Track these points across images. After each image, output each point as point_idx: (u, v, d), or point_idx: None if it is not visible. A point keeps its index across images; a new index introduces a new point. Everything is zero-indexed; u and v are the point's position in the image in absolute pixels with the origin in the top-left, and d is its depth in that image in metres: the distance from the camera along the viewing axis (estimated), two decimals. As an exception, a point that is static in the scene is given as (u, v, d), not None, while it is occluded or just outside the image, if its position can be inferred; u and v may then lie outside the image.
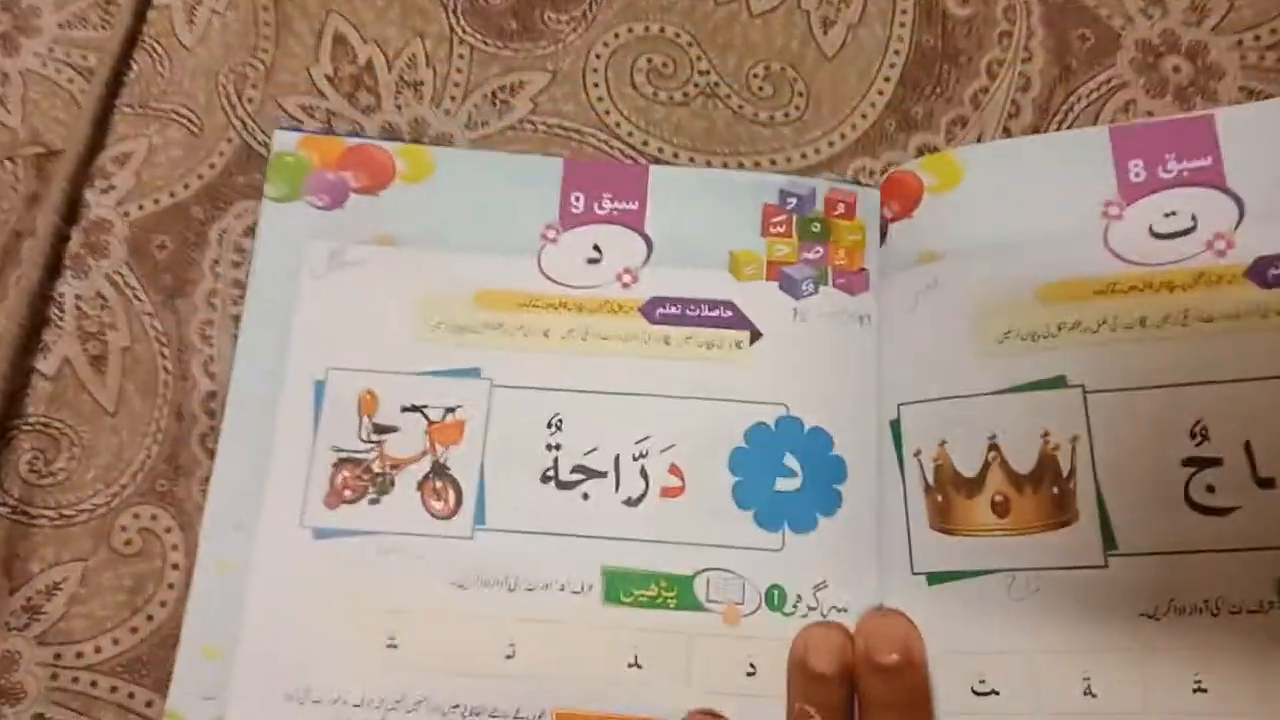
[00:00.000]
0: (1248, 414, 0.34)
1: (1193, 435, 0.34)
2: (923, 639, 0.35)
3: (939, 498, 0.36)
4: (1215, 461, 0.34)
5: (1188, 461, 0.34)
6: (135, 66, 0.44)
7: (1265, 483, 0.34)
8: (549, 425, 0.38)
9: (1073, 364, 0.36)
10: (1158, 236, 0.37)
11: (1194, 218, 0.37)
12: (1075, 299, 0.37)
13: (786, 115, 0.43)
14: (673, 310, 0.39)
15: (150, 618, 0.38)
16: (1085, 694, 0.33)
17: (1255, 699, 0.32)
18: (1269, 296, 0.35)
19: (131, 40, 0.44)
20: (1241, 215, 0.36)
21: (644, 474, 0.38)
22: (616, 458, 0.38)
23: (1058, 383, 0.36)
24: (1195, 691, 0.32)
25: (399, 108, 0.43)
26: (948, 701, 0.34)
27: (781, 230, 0.40)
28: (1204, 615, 0.33)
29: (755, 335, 0.39)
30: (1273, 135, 0.37)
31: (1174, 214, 0.37)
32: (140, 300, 0.41)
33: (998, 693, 0.34)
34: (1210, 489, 0.34)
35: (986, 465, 0.36)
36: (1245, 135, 0.37)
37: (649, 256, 0.40)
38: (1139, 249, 0.37)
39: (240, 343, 0.39)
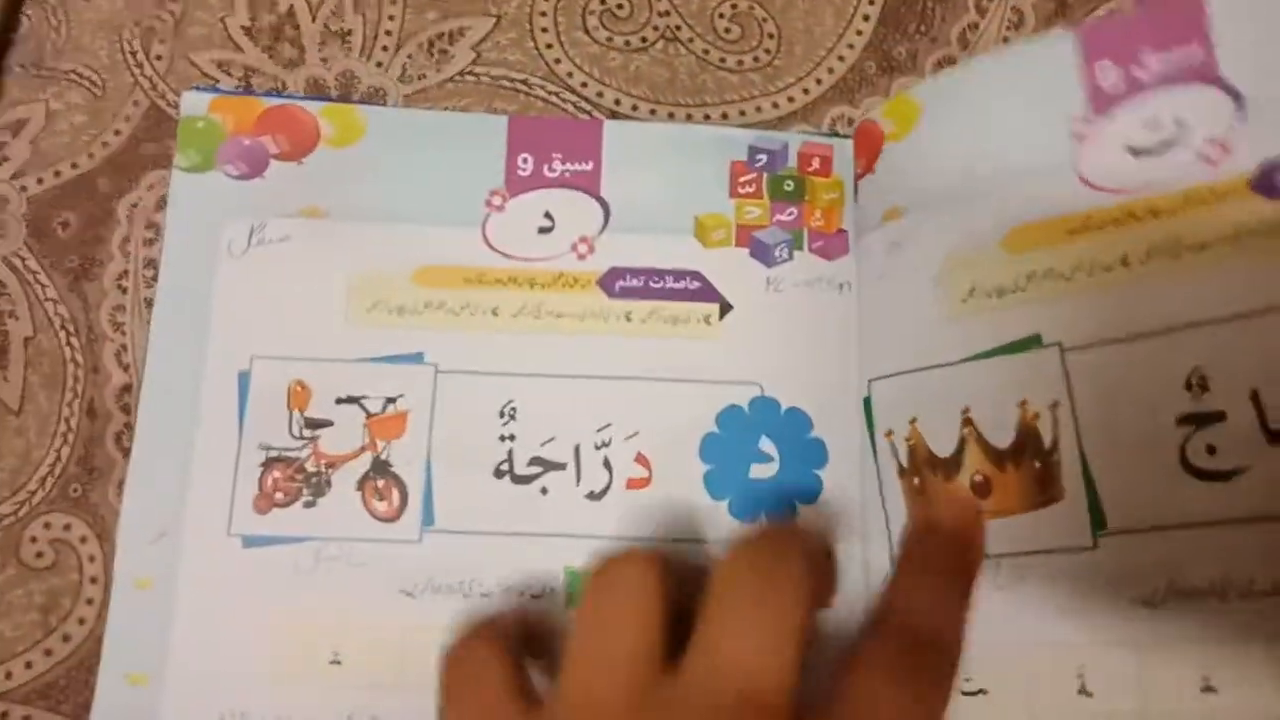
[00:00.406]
0: (1255, 356, 0.29)
1: (1189, 387, 0.30)
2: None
3: (915, 480, 0.34)
4: (1217, 416, 0.30)
5: (1184, 420, 0.30)
6: (26, 22, 0.40)
7: (1276, 437, 0.29)
8: (501, 414, 0.36)
9: (1047, 320, 0.32)
10: (1137, 154, 0.32)
11: (1178, 123, 0.32)
12: (1045, 243, 0.33)
13: (756, 60, 0.40)
14: (634, 282, 0.37)
15: (67, 638, 0.36)
16: (1080, 692, 0.30)
17: (1275, 696, 0.28)
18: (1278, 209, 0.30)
19: (21, -8, 0.40)
20: (1241, 112, 0.31)
21: (607, 465, 0.36)
22: (577, 448, 0.36)
23: (1031, 343, 0.32)
24: (1204, 691, 0.29)
25: (324, 61, 0.40)
26: None
27: (751, 190, 0.38)
28: (1210, 599, 0.29)
29: (725, 308, 0.37)
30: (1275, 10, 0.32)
31: (1155, 122, 0.32)
32: (43, 284, 0.38)
33: (986, 692, 0.32)
34: (1211, 450, 0.30)
35: (962, 442, 0.33)
36: (1241, 10, 0.32)
37: (606, 223, 0.38)
38: (1116, 173, 0.32)
39: (154, 331, 0.37)
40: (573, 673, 0.26)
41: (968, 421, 0.33)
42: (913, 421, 0.34)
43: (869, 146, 0.37)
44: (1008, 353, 0.33)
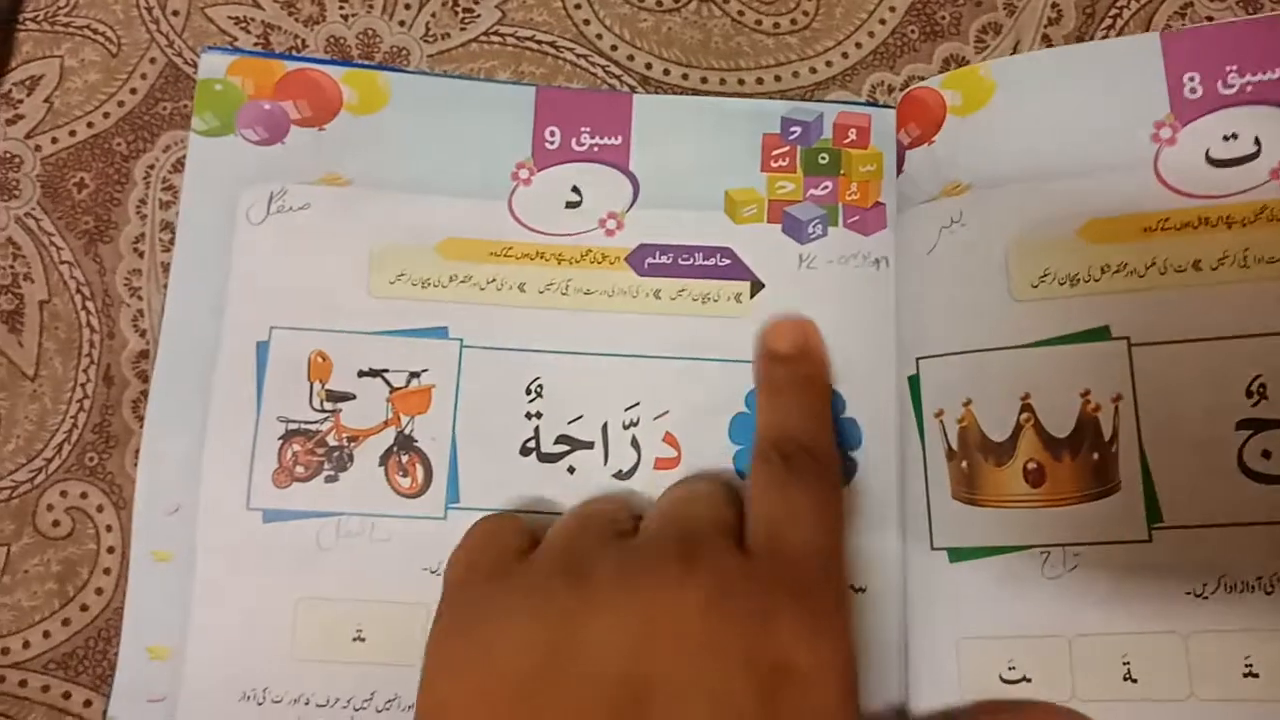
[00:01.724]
0: None
1: (1249, 394, 0.33)
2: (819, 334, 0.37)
3: (963, 464, 0.35)
4: (1273, 423, 0.33)
5: (1243, 423, 0.33)
6: (40, -26, 0.41)
7: None
8: (528, 391, 0.37)
9: (1117, 312, 0.34)
10: (1215, 164, 0.35)
11: (1258, 141, 0.34)
12: (1121, 238, 0.35)
13: (793, 22, 0.40)
14: (663, 259, 0.37)
15: (85, 608, 0.37)
16: (1125, 679, 0.33)
17: None
18: None
19: (33, -57, 0.41)
20: None
21: (635, 444, 0.37)
22: (605, 426, 0.37)
23: (1100, 334, 0.34)
24: (1246, 676, 0.32)
25: (345, 18, 0.40)
26: (972, 690, 0.34)
27: (784, 165, 0.38)
28: (1257, 594, 0.32)
29: (757, 286, 0.37)
30: None
31: (1234, 137, 0.35)
32: (58, 246, 0.39)
33: (1029, 679, 0.33)
34: (1266, 454, 0.33)
35: (1019, 428, 0.34)
36: None
37: (635, 198, 0.38)
38: (1194, 179, 0.35)
39: (169, 298, 0.38)
40: (668, 513, 0.33)
41: (1027, 407, 0.34)
42: (967, 403, 0.35)
43: (926, 116, 0.37)
44: (1075, 341, 0.34)
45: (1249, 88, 0.35)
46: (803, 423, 0.35)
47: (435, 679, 0.30)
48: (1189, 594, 0.32)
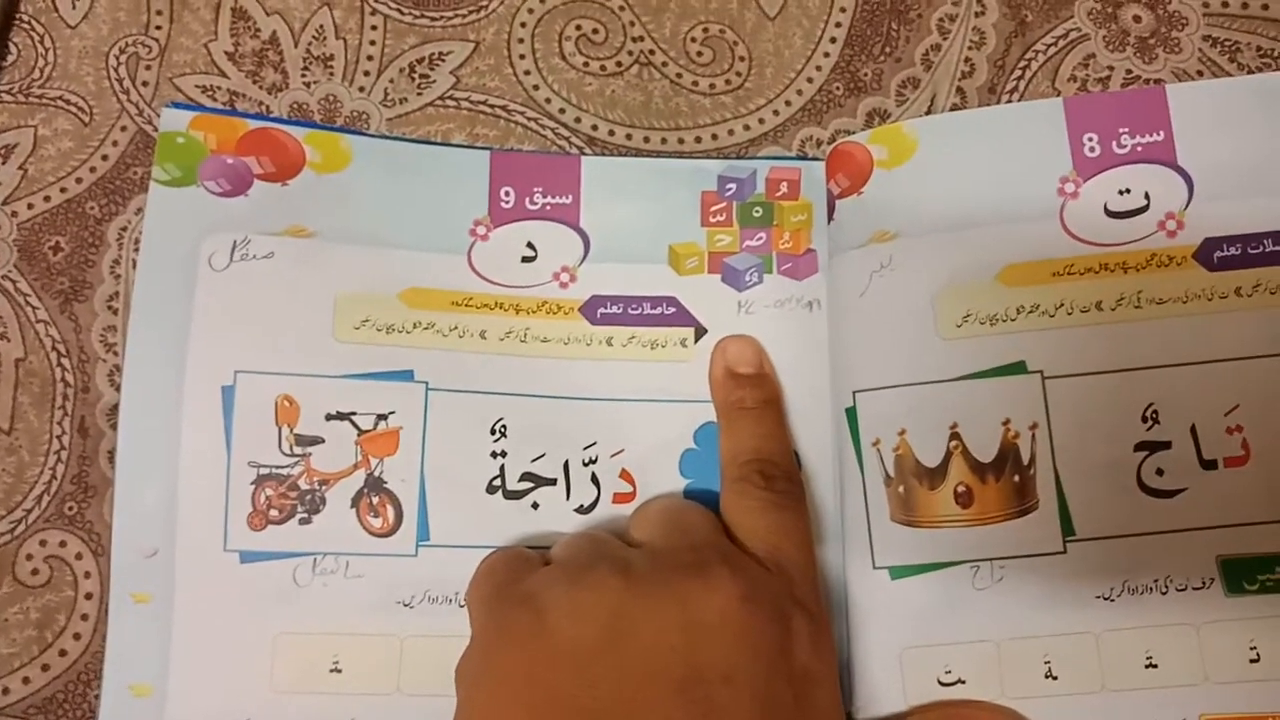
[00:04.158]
0: (1193, 397, 0.37)
1: (1144, 419, 0.38)
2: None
3: (900, 489, 0.38)
4: (1165, 445, 0.37)
5: (1140, 446, 0.38)
6: (14, 49, 0.43)
7: (1209, 464, 0.37)
8: (493, 431, 0.39)
9: (1031, 349, 0.38)
10: (1112, 215, 0.39)
11: (1147, 196, 0.39)
12: (1034, 281, 0.39)
13: (728, 83, 0.44)
14: (614, 309, 0.41)
15: (63, 653, 0.39)
16: (1047, 677, 0.37)
17: (1201, 671, 0.36)
18: (1214, 280, 0.38)
19: (7, 19, 0.43)
20: (1191, 195, 0.39)
21: (595, 480, 0.39)
22: (566, 464, 0.40)
23: (1018, 369, 0.38)
24: (1147, 668, 0.36)
25: (308, 85, 0.43)
26: (915, 695, 0.37)
27: (721, 219, 0.42)
28: (1154, 595, 0.37)
29: (700, 331, 0.41)
30: (1221, 113, 0.40)
31: (1128, 192, 0.39)
32: (34, 306, 0.41)
33: (964, 681, 0.37)
34: (1160, 472, 0.37)
35: (949, 455, 0.38)
36: (1195, 112, 0.40)
37: (586, 253, 0.41)
38: (1094, 228, 0.39)
39: (129, 342, 0.39)
40: (670, 522, 0.36)
41: (955, 436, 0.38)
42: (901, 433, 0.39)
43: (854, 169, 0.41)
44: (995, 375, 0.38)
45: (1139, 148, 0.40)
46: (772, 445, 0.38)
47: (495, 653, 0.32)
48: (1099, 598, 0.37)
